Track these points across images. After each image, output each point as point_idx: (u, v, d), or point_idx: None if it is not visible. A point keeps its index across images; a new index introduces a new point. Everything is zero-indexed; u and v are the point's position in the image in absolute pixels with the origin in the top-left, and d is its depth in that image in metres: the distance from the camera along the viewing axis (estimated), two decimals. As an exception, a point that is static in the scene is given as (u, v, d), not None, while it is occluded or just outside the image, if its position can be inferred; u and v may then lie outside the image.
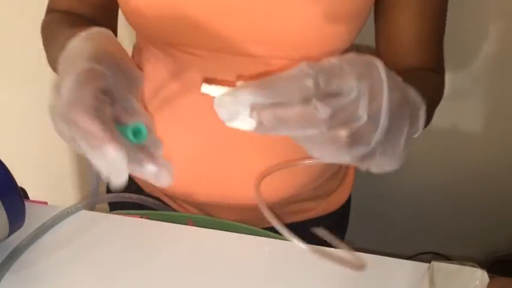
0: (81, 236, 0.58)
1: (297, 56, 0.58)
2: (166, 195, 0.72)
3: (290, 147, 0.64)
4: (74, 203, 0.60)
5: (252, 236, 0.60)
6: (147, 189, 0.74)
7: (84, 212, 0.60)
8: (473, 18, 0.93)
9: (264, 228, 0.64)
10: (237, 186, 0.65)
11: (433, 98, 0.61)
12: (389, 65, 0.63)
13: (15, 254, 0.54)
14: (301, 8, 0.56)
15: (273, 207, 0.67)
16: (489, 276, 0.47)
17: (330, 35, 0.58)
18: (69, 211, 0.59)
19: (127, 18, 0.61)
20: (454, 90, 1.01)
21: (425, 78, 0.62)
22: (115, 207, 0.71)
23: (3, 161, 0.53)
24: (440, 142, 1.06)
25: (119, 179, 0.38)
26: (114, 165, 0.38)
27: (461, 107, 1.06)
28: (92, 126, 0.37)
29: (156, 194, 0.73)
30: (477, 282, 0.47)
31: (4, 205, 0.50)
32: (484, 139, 1.09)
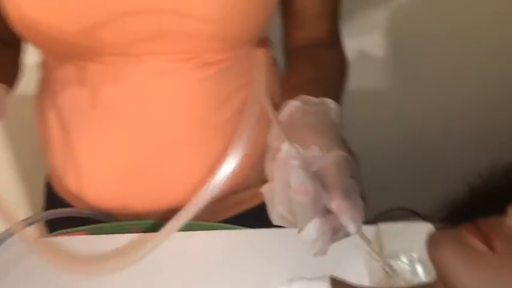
0: (20, 265, 0.55)
1: (203, 49, 0.59)
2: (103, 211, 0.68)
3: (221, 145, 0.63)
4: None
5: (204, 231, 0.58)
6: (81, 206, 0.69)
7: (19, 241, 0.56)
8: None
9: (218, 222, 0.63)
10: (174, 189, 0.63)
11: (342, 78, 0.65)
12: (295, 38, 0.68)
13: None
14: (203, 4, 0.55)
15: (221, 200, 0.65)
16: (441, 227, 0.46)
17: (235, 27, 0.57)
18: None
19: (19, 33, 0.57)
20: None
21: (335, 62, 0.66)
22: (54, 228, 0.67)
23: None
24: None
25: None
26: None
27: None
28: None
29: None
30: (424, 236, 0.45)
31: None
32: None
